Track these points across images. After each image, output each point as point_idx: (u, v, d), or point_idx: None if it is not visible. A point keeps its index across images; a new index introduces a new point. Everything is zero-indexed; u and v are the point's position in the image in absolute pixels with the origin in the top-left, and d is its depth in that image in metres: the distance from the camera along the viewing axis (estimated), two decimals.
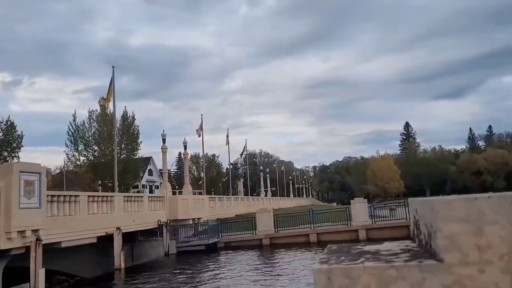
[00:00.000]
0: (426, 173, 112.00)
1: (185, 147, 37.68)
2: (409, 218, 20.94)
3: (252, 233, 31.06)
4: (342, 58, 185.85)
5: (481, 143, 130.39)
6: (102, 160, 47.75)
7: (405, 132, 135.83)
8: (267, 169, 70.52)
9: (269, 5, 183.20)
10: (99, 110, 48.33)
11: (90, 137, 49.27)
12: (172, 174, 78.79)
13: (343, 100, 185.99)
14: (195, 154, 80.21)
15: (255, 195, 68.92)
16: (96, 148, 49.38)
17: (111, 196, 24.36)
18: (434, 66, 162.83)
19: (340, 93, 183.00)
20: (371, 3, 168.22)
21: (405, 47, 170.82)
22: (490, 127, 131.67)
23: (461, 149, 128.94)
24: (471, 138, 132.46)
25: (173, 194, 33.28)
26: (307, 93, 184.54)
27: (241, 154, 73.15)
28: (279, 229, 31.37)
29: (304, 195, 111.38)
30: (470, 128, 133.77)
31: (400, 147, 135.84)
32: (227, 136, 56.16)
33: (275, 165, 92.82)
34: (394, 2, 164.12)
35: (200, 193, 40.07)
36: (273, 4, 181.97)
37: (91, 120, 49.52)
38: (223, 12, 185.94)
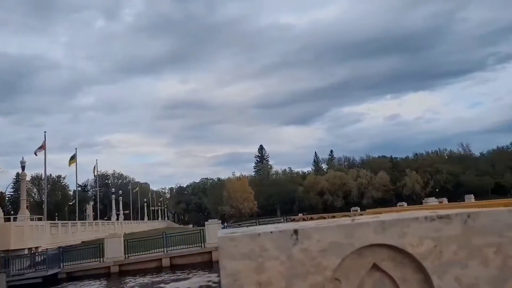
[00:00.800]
0: (277, 194, 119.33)
1: (23, 168, 33.70)
2: None
3: (100, 260, 28.92)
4: (201, 81, 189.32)
5: (324, 166, 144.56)
6: None
7: (260, 155, 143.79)
8: (120, 191, 66.98)
9: (128, 21, 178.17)
10: None
11: None
12: (7, 198, 69.64)
13: (201, 122, 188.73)
14: (37, 175, 72.45)
15: (106, 219, 64.69)
16: None
17: None
18: (285, 94, 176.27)
19: (198, 115, 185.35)
20: (230, 30, 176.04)
21: (260, 75, 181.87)
22: (331, 151, 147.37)
23: (307, 171, 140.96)
24: (316, 161, 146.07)
25: (5, 221, 29.24)
26: (166, 114, 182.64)
27: (94, 175, 68.33)
28: (129, 254, 29.82)
29: (160, 218, 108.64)
30: (315, 152, 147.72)
31: (255, 169, 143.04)
32: (75, 156, 51.87)
33: (129, 187, 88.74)
34: (252, 31, 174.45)
35: (40, 219, 35.98)
36: (132, 21, 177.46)
37: None
38: (77, 23, 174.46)
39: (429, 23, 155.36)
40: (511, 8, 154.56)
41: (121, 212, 63.07)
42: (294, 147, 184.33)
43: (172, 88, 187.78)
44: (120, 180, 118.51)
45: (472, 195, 44.09)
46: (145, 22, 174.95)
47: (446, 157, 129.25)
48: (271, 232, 1.42)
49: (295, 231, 1.43)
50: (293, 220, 39.44)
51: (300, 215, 52.33)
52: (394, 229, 1.47)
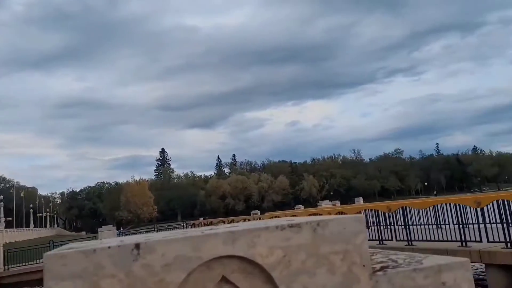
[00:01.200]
0: (178, 198, 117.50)
1: None
2: None
3: None
4: (100, 79, 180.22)
5: (226, 170, 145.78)
6: None
7: (161, 158, 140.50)
8: (1, 196, 60.65)
9: (17, 10, 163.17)
10: None
11: None
12: None
13: (98, 122, 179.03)
14: None
15: None
16: None
17: None
18: (189, 97, 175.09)
19: (96, 115, 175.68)
20: (132, 28, 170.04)
21: (164, 76, 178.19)
22: (234, 155, 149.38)
23: (210, 175, 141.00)
24: (219, 165, 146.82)
25: None
26: (58, 113, 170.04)
27: None
28: (10, 266, 27.07)
29: (49, 225, 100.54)
30: (218, 156, 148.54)
31: (156, 172, 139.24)
32: None
33: (12, 191, 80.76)
34: (155, 31, 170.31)
35: None
36: (21, 10, 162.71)
37: None
38: None
39: (328, 36, 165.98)
40: (398, 27, 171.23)
41: (2, 219, 57.17)
42: (197, 151, 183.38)
43: (66, 85, 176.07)
44: (2, 184, 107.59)
45: (361, 197, 47.37)
46: (37, 13, 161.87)
47: (340, 162, 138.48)
48: (109, 247, 1.29)
49: (137, 245, 1.31)
50: (193, 224, 39.06)
51: (201, 219, 51.93)
52: (244, 240, 1.42)
